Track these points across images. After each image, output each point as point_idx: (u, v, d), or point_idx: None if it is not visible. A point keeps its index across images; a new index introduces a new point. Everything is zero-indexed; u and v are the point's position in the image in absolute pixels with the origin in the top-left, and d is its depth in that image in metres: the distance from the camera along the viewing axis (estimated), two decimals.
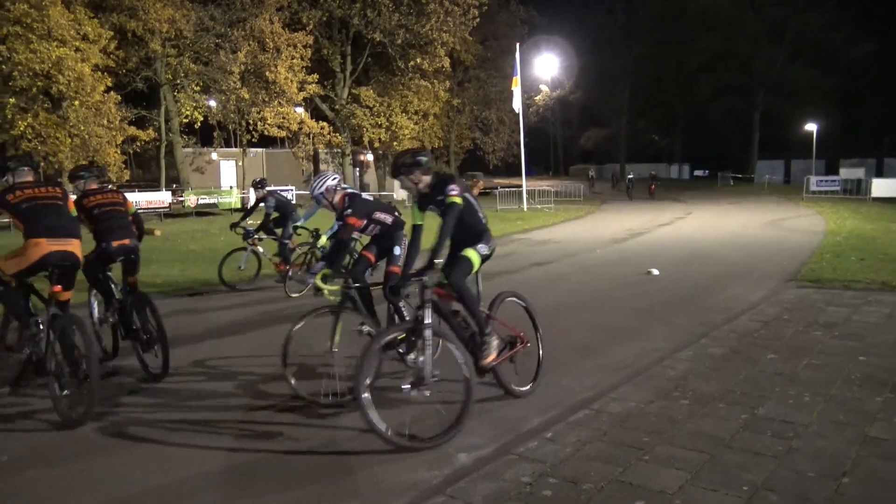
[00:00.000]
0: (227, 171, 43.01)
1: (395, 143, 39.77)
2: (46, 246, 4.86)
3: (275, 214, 10.79)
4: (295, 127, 32.68)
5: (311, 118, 35.15)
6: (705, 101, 62.22)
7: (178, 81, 30.46)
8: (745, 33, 56.30)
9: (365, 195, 6.37)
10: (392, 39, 36.11)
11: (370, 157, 45.32)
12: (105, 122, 22.83)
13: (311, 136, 33.92)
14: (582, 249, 15.32)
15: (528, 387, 5.28)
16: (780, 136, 59.38)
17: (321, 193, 5.97)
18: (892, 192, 30.02)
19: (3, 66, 20.42)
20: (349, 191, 6.15)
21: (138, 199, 25.69)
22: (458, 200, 4.77)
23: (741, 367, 5.70)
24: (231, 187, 32.91)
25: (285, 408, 5.11)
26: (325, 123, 34.95)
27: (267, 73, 30.75)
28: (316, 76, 33.31)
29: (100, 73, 22.69)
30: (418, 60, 37.17)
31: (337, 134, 36.34)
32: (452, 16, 36.10)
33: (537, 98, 48.67)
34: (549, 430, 4.42)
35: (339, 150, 40.42)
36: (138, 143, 26.54)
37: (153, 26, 26.12)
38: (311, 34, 33.46)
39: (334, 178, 6.08)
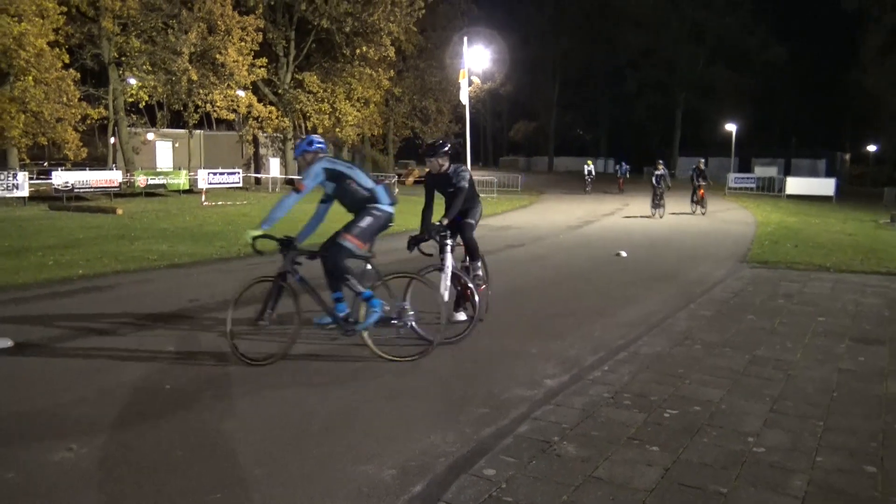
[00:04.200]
0: (164, 152, 42.50)
1: (337, 130, 40.31)
2: None
3: None
4: (244, 110, 32.85)
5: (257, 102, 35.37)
6: (630, 97, 65.08)
7: (124, 60, 30.17)
8: (668, 33, 59.31)
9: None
10: (339, 27, 36.60)
11: None
12: (64, 99, 22.68)
13: (260, 119, 34.10)
14: (545, 234, 16.68)
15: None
16: (699, 133, 62.94)
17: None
18: (803, 190, 32.90)
19: None
20: None
21: (89, 177, 25.52)
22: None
23: (730, 324, 7.09)
24: (180, 169, 32.74)
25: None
26: (272, 108, 35.19)
27: (217, 56, 30.81)
28: (265, 60, 33.51)
29: (57, 49, 22.50)
30: (364, 48, 37.76)
31: (285, 118, 36.60)
32: (399, 6, 36.88)
33: (469, 89, 49.95)
34: (605, 365, 5.64)
35: (280, 136, 40.61)
36: (88, 122, 26.26)
37: (104, 3, 25.93)
38: (260, 18, 33.65)
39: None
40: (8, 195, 22.31)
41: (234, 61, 31.04)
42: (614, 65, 64.99)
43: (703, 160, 24.81)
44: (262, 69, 33.62)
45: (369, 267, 6.07)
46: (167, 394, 5.02)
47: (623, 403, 4.73)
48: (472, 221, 7.02)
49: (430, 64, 47.46)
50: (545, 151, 74.55)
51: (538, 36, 67.95)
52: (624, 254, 12.52)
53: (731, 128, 47.00)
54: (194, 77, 30.37)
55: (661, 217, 21.22)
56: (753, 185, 38.30)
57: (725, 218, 21.75)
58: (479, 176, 36.14)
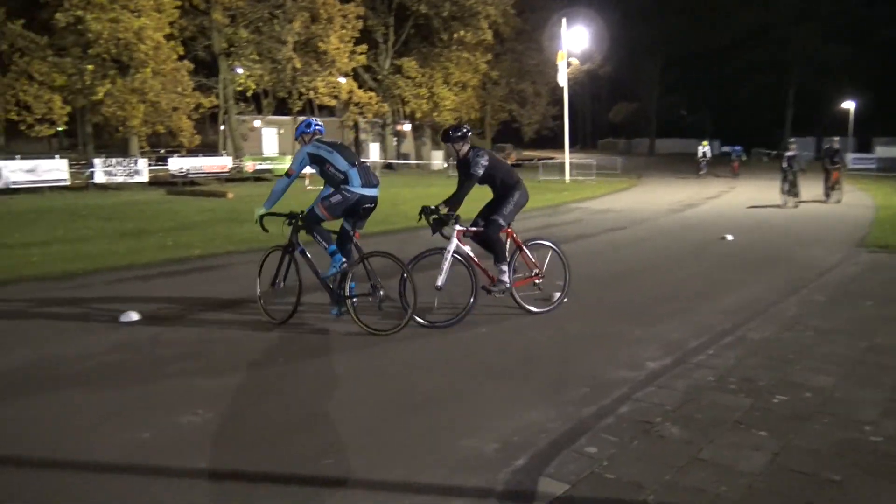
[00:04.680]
0: (269, 138, 44.17)
1: (435, 115, 40.71)
2: None
3: None
4: (345, 96, 33.69)
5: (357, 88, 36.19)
6: (737, 76, 62.20)
7: (233, 50, 31.49)
8: (780, 9, 56.19)
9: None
10: (437, 12, 36.84)
11: (408, 127, 46.26)
12: (179, 89, 23.98)
13: (360, 105, 34.88)
14: (646, 217, 16.32)
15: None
16: (811, 113, 59.53)
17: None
18: None
19: (90, 34, 21.55)
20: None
21: (202, 163, 26.86)
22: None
23: (845, 310, 6.76)
24: (285, 154, 34.03)
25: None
26: (372, 93, 35.89)
27: (319, 44, 31.68)
28: (365, 47, 34.19)
29: (172, 41, 23.79)
30: (461, 33, 37.89)
31: (384, 104, 37.29)
32: None
33: (567, 71, 49.16)
34: (709, 349, 5.51)
35: (380, 121, 41.36)
36: (200, 110, 27.67)
37: None
38: (360, 5, 34.32)
39: None
40: (130, 180, 23.88)
41: (335, 49, 31.87)
42: (721, 43, 62.09)
43: (836, 138, 21.37)
44: (363, 56, 34.34)
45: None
46: (280, 366, 5.31)
47: (728, 388, 4.63)
48: (500, 219, 6.56)
49: (527, 46, 46.99)
50: (646, 133, 72.55)
51: (640, 15, 65.85)
52: (730, 237, 12.10)
53: (848, 106, 44.18)
54: (298, 65, 31.37)
55: (794, 206, 17.95)
56: (874, 167, 36.05)
57: (841, 200, 20.58)
58: (576, 159, 35.69)
